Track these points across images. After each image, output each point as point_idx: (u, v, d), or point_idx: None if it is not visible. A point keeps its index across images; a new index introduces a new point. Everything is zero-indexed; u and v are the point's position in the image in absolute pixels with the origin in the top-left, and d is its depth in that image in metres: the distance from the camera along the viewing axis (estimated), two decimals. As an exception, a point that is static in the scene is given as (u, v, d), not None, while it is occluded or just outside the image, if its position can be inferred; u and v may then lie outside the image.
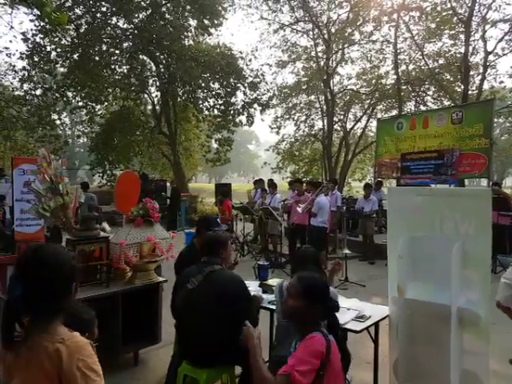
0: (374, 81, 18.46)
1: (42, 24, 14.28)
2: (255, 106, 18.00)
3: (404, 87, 16.81)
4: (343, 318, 2.79)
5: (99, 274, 3.51)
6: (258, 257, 8.25)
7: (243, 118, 18.37)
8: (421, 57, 16.09)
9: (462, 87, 14.31)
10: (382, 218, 9.32)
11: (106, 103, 19.07)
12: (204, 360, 2.46)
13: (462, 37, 14.56)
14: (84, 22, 15.59)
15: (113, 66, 16.76)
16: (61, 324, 1.31)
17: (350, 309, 2.98)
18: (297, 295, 1.91)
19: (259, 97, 17.99)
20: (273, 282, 3.52)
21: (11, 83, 17.18)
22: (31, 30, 14.90)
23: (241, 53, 17.79)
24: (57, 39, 15.68)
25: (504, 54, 14.39)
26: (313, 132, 20.70)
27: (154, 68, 17.77)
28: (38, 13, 9.85)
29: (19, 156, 12.54)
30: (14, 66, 16.19)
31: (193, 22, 17.61)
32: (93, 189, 18.44)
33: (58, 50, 15.82)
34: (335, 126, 19.82)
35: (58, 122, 19.95)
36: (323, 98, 19.09)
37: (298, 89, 19.74)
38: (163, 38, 15.45)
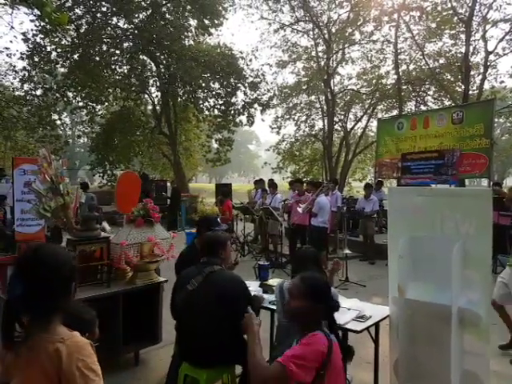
0: (374, 81, 18.46)
1: (42, 24, 14.29)
2: (255, 105, 18.02)
3: (404, 87, 16.81)
4: (343, 318, 2.79)
5: (100, 274, 3.51)
6: (258, 257, 8.25)
7: (243, 118, 18.42)
8: (421, 57, 16.10)
9: (463, 87, 14.31)
10: (383, 218, 9.31)
11: (106, 103, 19.08)
12: (204, 361, 2.46)
13: (463, 36, 14.55)
14: (84, 22, 15.60)
15: (113, 66, 16.78)
16: (60, 324, 1.31)
17: (350, 309, 2.98)
18: (300, 296, 1.91)
19: (259, 97, 18.02)
20: (273, 282, 3.52)
21: (12, 83, 17.22)
22: (31, 30, 14.94)
23: (241, 53, 17.83)
24: (57, 39, 15.70)
25: (505, 54, 14.41)
26: (313, 132, 20.71)
27: (154, 68, 17.78)
28: (39, 13, 9.85)
29: (20, 156, 12.55)
30: (14, 67, 16.23)
31: (193, 22, 17.66)
32: (93, 189, 18.49)
33: (59, 50, 15.83)
34: (336, 126, 19.84)
35: (58, 122, 19.99)
36: (324, 97, 19.10)
37: (299, 89, 19.74)
38: (163, 38, 15.46)
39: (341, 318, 2.71)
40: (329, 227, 7.59)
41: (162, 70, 17.20)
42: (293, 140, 21.03)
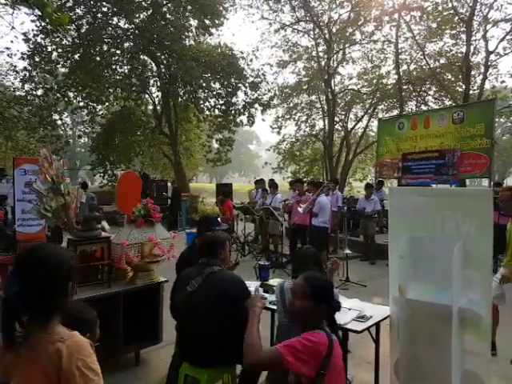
0: (375, 81, 18.45)
1: (43, 24, 14.30)
2: (256, 105, 18.02)
3: (405, 87, 16.80)
4: (344, 318, 2.79)
5: (100, 274, 3.51)
6: (258, 257, 8.25)
7: (244, 118, 18.42)
8: (422, 56, 16.09)
9: (464, 87, 14.30)
10: (383, 218, 9.31)
11: (107, 103, 19.09)
12: (204, 361, 2.46)
13: (464, 36, 14.55)
14: (85, 22, 15.60)
15: (114, 66, 16.78)
16: (59, 323, 1.31)
17: (351, 309, 2.98)
18: (304, 295, 1.91)
19: (260, 97, 18.02)
20: (274, 282, 3.52)
21: (12, 83, 17.20)
22: (32, 30, 14.94)
23: (242, 53, 17.83)
24: (58, 39, 15.71)
25: (505, 54, 14.41)
26: (314, 132, 20.71)
27: (154, 68, 17.79)
28: (39, 13, 9.87)
29: (21, 156, 12.56)
30: (15, 67, 16.23)
31: (194, 22, 17.65)
32: (94, 189, 18.50)
33: (59, 50, 15.84)
34: (336, 126, 19.84)
35: (59, 122, 19.98)
36: (324, 97, 19.10)
37: (299, 89, 19.74)
38: (164, 38, 15.46)
39: (341, 318, 2.71)
40: (329, 227, 7.60)
41: (163, 70, 17.21)
42: (293, 140, 21.04)
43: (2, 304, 1.24)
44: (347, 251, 6.90)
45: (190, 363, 2.53)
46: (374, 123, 19.01)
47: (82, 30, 15.40)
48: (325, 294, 1.96)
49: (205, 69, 16.09)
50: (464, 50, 14.33)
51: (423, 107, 16.84)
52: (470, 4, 13.89)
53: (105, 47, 16.40)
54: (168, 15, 16.68)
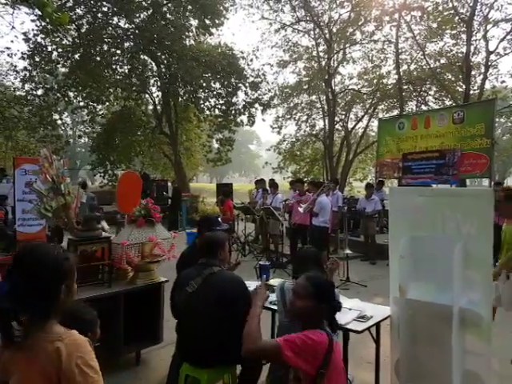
0: (375, 80, 18.45)
1: (43, 24, 14.29)
2: (256, 105, 18.02)
3: (405, 87, 16.79)
4: (345, 318, 2.79)
5: (101, 274, 3.51)
6: (259, 257, 8.26)
7: (244, 118, 18.42)
8: (422, 56, 16.07)
9: (464, 87, 14.30)
10: (384, 218, 9.31)
11: (107, 103, 19.07)
12: (204, 362, 2.46)
13: (464, 36, 14.54)
14: (85, 22, 15.59)
15: (114, 66, 16.77)
16: (57, 323, 1.32)
17: (351, 309, 2.98)
18: (306, 295, 1.92)
19: (260, 97, 18.02)
20: (274, 282, 3.52)
21: (13, 83, 17.21)
22: (32, 30, 14.92)
23: (242, 53, 17.83)
24: (58, 39, 15.70)
25: (506, 54, 14.40)
26: (314, 132, 20.70)
27: (155, 68, 17.79)
28: (40, 13, 9.86)
29: (21, 156, 12.57)
30: (15, 66, 16.24)
31: (194, 22, 17.65)
32: (94, 189, 18.50)
33: (60, 50, 15.84)
34: (336, 126, 19.82)
35: (59, 122, 19.98)
36: (324, 97, 19.08)
37: (300, 88, 19.73)
38: (164, 38, 15.46)
39: (342, 318, 2.71)
40: (330, 227, 7.59)
41: (163, 70, 17.21)
42: (293, 140, 21.03)
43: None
44: (348, 251, 6.90)
45: (190, 363, 2.53)
46: (375, 123, 19.04)
47: (82, 30, 15.39)
48: (326, 294, 1.96)
49: (205, 69, 16.08)
50: (464, 49, 14.33)
51: (423, 107, 16.84)
52: (471, 4, 13.89)
53: (105, 47, 16.38)
54: (168, 15, 16.68)
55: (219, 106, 17.83)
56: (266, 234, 8.73)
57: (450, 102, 15.47)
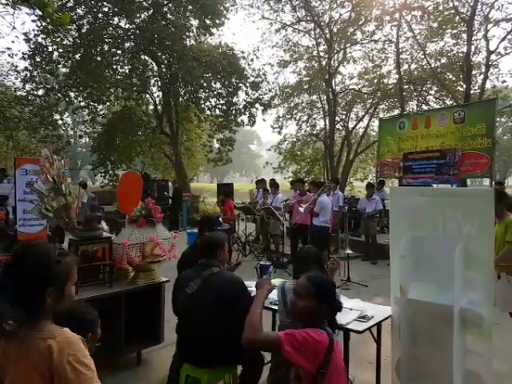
0: (375, 80, 18.44)
1: (43, 24, 14.31)
2: (257, 105, 18.02)
3: (406, 87, 16.78)
4: (346, 318, 2.79)
5: (102, 274, 3.52)
6: (260, 257, 8.26)
7: (245, 118, 18.43)
8: (423, 56, 16.06)
9: (464, 86, 14.28)
10: (385, 218, 9.30)
11: (107, 103, 19.11)
12: (204, 362, 2.46)
13: (465, 36, 14.52)
14: (86, 22, 15.61)
15: (115, 66, 16.79)
16: (51, 322, 1.33)
17: (352, 309, 2.98)
18: (307, 295, 1.92)
19: (261, 96, 18.02)
20: (275, 282, 3.52)
21: (13, 83, 17.25)
22: (33, 30, 14.96)
23: (242, 52, 17.84)
24: (59, 39, 15.72)
25: (506, 53, 14.37)
26: (315, 132, 20.69)
27: (155, 68, 17.80)
28: (40, 13, 9.86)
29: (22, 156, 12.58)
30: (16, 67, 16.27)
31: (194, 22, 17.66)
32: (95, 189, 18.51)
33: (60, 50, 15.85)
34: (337, 126, 19.80)
35: (60, 122, 19.98)
36: (325, 97, 19.07)
37: (300, 88, 19.73)
38: (165, 38, 15.47)
39: (343, 318, 2.71)
40: (330, 227, 7.59)
41: (164, 70, 17.22)
42: (294, 140, 21.03)
43: None
44: (348, 251, 6.89)
45: (191, 364, 2.53)
46: (375, 123, 19.04)
47: (83, 30, 15.40)
48: (327, 294, 1.97)
49: (206, 69, 16.09)
50: (465, 49, 14.31)
51: (424, 107, 16.82)
52: (471, 4, 13.87)
53: (106, 47, 16.40)
54: (169, 15, 16.68)
55: (220, 106, 17.84)
56: (267, 233, 8.72)
57: (451, 102, 15.45)
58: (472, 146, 9.54)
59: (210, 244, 2.72)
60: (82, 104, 18.15)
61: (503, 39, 14.13)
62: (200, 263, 2.66)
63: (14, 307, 1.27)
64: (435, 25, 15.42)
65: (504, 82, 15.86)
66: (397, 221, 2.76)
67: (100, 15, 15.73)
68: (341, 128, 20.51)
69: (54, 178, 3.39)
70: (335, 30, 17.91)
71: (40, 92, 16.59)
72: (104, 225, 5.90)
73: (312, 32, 18.60)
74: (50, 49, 15.70)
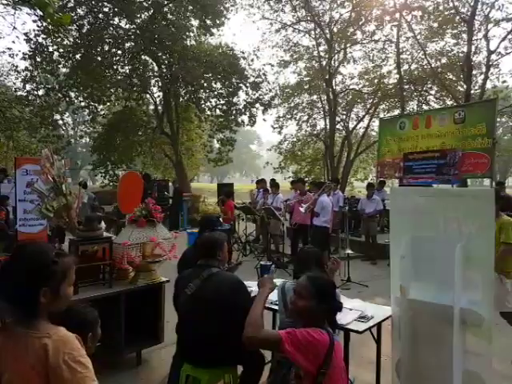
0: (376, 80, 18.43)
1: (44, 24, 14.30)
2: (257, 105, 18.00)
3: (406, 87, 16.77)
4: (346, 318, 2.79)
5: (102, 274, 3.52)
6: (260, 257, 8.26)
7: (245, 118, 18.40)
8: (423, 56, 16.04)
9: (465, 86, 14.26)
10: (385, 218, 9.30)
11: (108, 103, 19.11)
12: (204, 362, 2.46)
13: (465, 36, 14.51)
14: (86, 22, 15.62)
15: (115, 67, 16.79)
16: (47, 321, 1.33)
17: (352, 309, 2.98)
18: (307, 295, 1.92)
19: (261, 97, 18.00)
20: (275, 282, 3.51)
21: (14, 83, 17.29)
22: (34, 30, 14.97)
23: (243, 53, 17.82)
24: (59, 40, 15.70)
25: (507, 53, 14.36)
26: (315, 132, 20.69)
27: (156, 68, 17.80)
28: (41, 13, 9.88)
29: (22, 156, 12.59)
30: (16, 67, 16.31)
31: (195, 22, 17.67)
32: (95, 189, 18.51)
33: (61, 50, 15.86)
34: (337, 126, 19.79)
35: (60, 122, 20.01)
36: (325, 97, 19.06)
37: (300, 88, 19.72)
38: (165, 38, 15.47)
39: (343, 318, 2.71)
40: (330, 227, 7.59)
41: (164, 70, 17.21)
42: (294, 140, 21.03)
43: None
44: (348, 251, 6.90)
45: (191, 364, 2.53)
46: (376, 123, 19.03)
47: (83, 30, 15.42)
48: (327, 294, 1.97)
49: (206, 69, 16.08)
50: (465, 49, 14.29)
51: (424, 107, 16.83)
52: (471, 4, 13.86)
53: (106, 47, 16.39)
54: (169, 15, 16.70)
55: (220, 106, 17.84)
56: (267, 234, 8.73)
57: (451, 102, 15.45)
58: (472, 146, 9.52)
59: (208, 244, 2.70)
60: (83, 104, 18.13)
61: (503, 39, 14.12)
62: (199, 264, 2.64)
63: (10, 306, 1.27)
64: (435, 25, 15.42)
65: (504, 82, 15.91)
66: (397, 221, 2.76)
67: (100, 15, 15.74)
68: (341, 128, 20.51)
69: (55, 178, 3.39)
70: (335, 30, 17.90)
71: (40, 92, 16.62)
72: (104, 225, 5.91)
73: (312, 32, 18.60)
74: (51, 49, 15.71)
